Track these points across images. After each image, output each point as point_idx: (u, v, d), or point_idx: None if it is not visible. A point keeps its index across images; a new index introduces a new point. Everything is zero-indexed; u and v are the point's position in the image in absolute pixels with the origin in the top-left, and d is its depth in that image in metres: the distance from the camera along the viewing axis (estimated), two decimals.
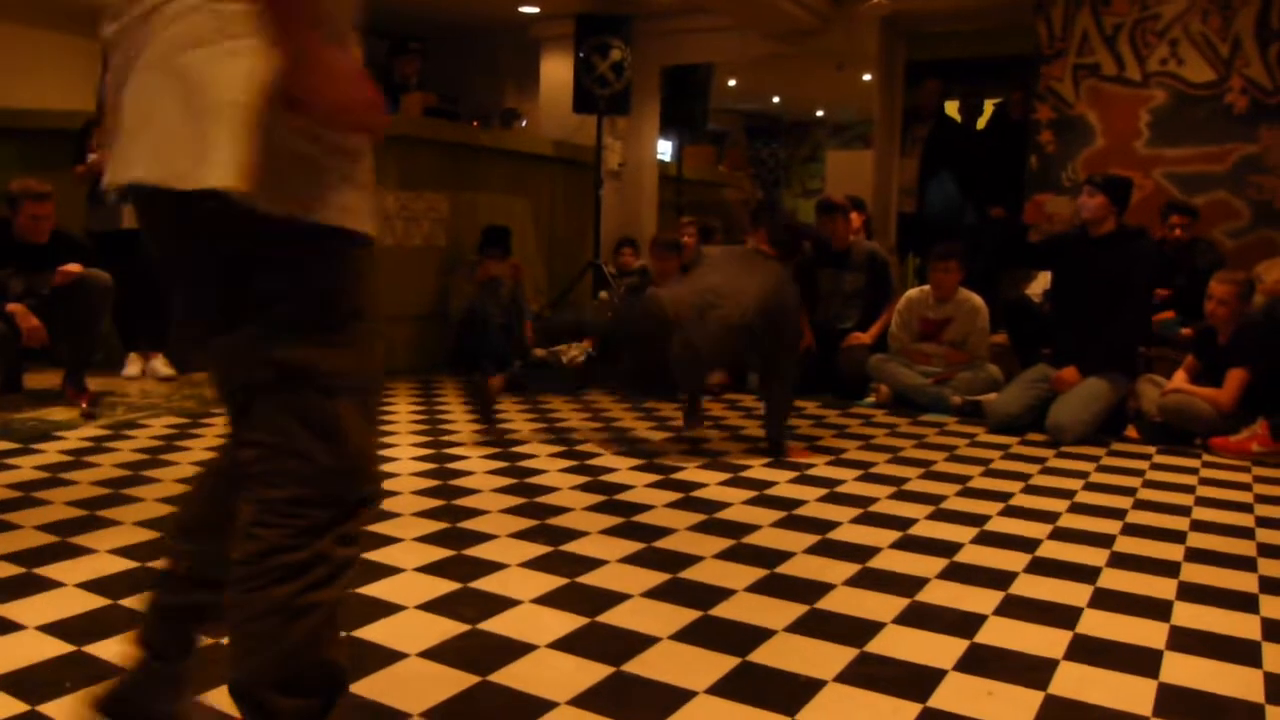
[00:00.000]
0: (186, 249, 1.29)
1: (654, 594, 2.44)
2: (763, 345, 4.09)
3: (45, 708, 1.77)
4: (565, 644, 2.13)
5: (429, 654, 2.06)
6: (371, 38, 9.49)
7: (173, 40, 1.17)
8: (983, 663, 2.08)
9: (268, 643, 1.27)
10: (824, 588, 2.52)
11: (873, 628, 2.26)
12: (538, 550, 2.76)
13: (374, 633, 2.16)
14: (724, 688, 1.94)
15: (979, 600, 2.45)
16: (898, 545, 2.90)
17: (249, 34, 1.15)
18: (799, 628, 2.25)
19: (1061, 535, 3.04)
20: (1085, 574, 2.68)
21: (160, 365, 5.57)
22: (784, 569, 2.66)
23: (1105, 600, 2.48)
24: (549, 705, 1.85)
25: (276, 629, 1.26)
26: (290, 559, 1.26)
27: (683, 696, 1.90)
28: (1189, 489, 3.70)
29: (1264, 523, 3.25)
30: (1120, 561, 2.79)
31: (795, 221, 4.87)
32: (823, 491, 3.51)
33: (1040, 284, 6.03)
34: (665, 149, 10.15)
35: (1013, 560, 2.78)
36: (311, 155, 1.22)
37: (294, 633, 1.27)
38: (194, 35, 1.17)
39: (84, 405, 4.56)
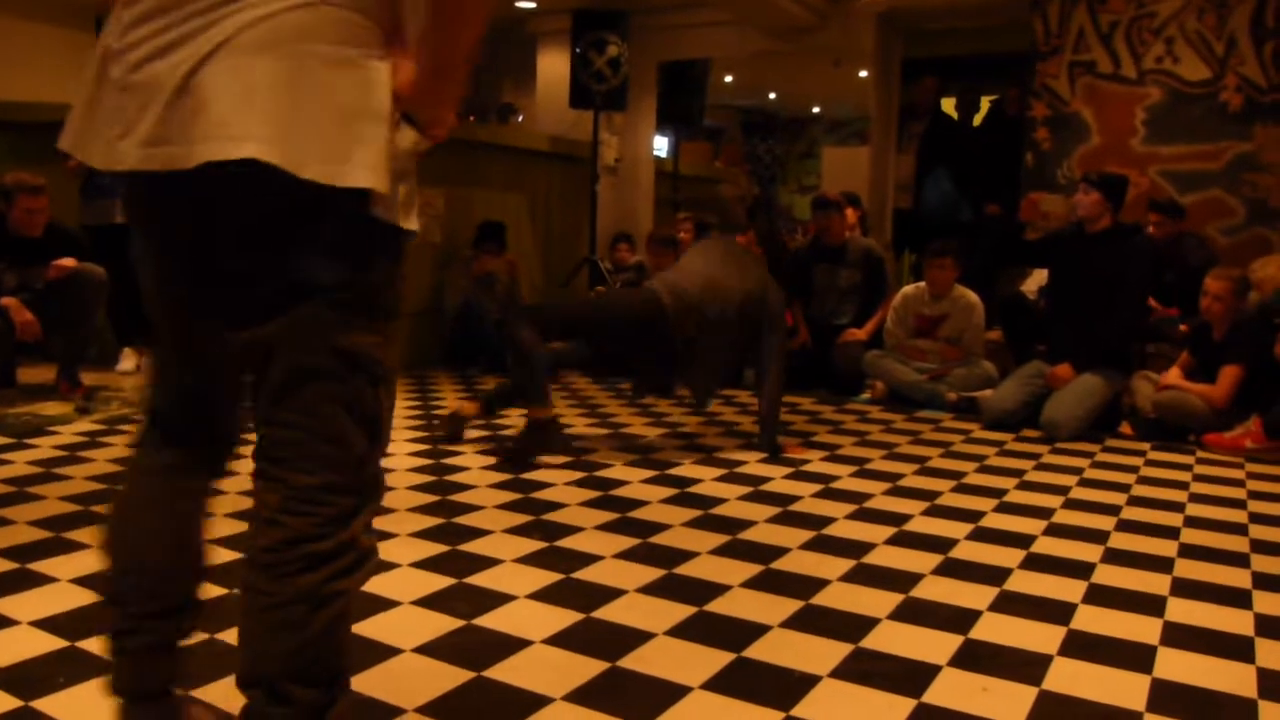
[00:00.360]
0: (228, 236, 1.24)
1: (649, 590, 2.45)
2: (750, 344, 4.10)
3: (39, 703, 1.77)
4: (560, 640, 2.13)
5: (424, 649, 2.06)
6: None
7: (290, 30, 1.17)
8: (977, 658, 2.09)
9: (292, 630, 1.27)
10: (819, 583, 2.52)
11: (868, 623, 2.26)
12: (533, 546, 2.76)
13: (369, 628, 2.16)
14: (719, 683, 1.94)
15: (974, 596, 2.46)
16: (893, 541, 2.90)
17: (369, 45, 1.22)
18: (794, 623, 2.25)
19: (1056, 531, 3.05)
20: (1079, 570, 2.68)
21: None
22: (779, 565, 2.66)
23: (1099, 596, 2.48)
24: (544, 701, 1.85)
25: (302, 617, 1.26)
26: (318, 548, 1.27)
27: (678, 692, 1.90)
28: (1183, 485, 3.71)
29: (1257, 519, 3.26)
30: (1114, 557, 2.80)
31: (779, 231, 4.86)
32: (818, 487, 3.52)
33: (1035, 281, 6.05)
34: (662, 145, 10.14)
35: (1007, 556, 2.79)
36: (410, 169, 1.30)
37: (318, 621, 1.27)
38: (322, 32, 1.19)
39: (78, 400, 4.55)
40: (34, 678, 1.86)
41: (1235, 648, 2.19)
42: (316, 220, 1.22)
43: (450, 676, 1.94)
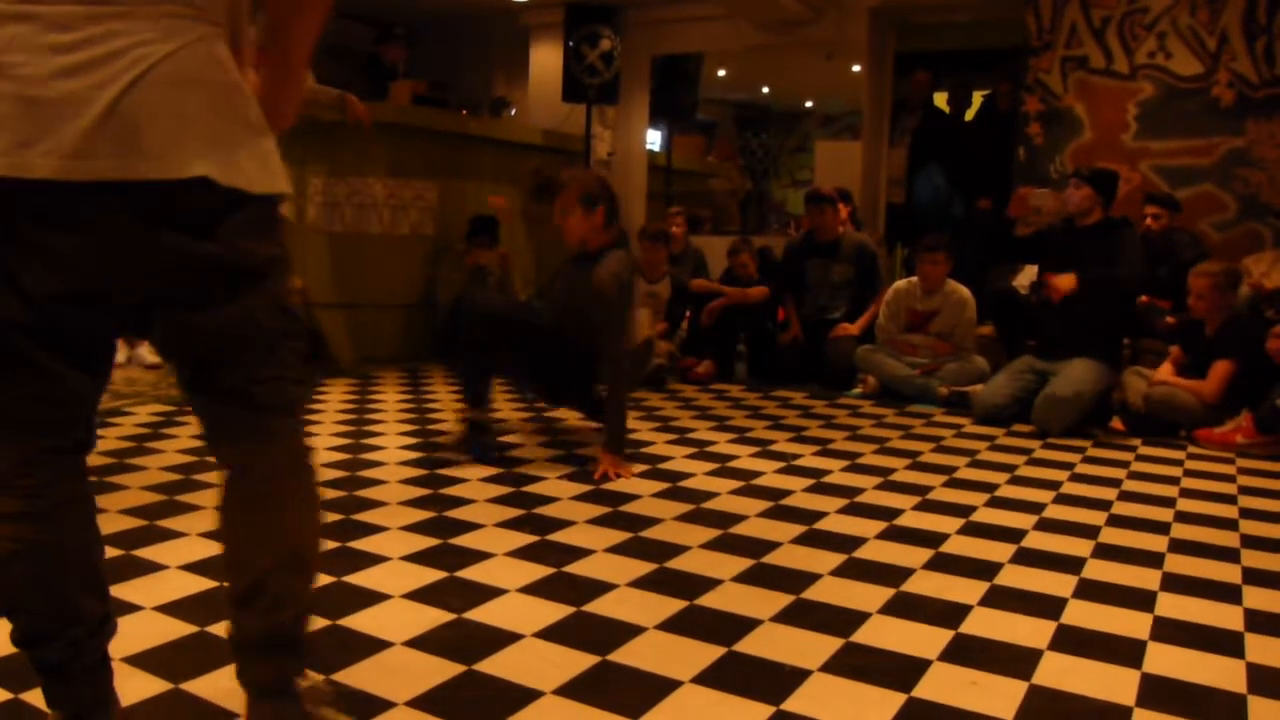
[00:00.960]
0: (158, 237, 1.35)
1: (640, 583, 2.44)
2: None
3: (28, 696, 1.76)
4: (551, 633, 2.13)
5: (415, 643, 2.06)
6: (359, 24, 9.31)
7: (201, 61, 1.36)
8: (968, 653, 2.09)
9: (281, 503, 1.54)
10: (810, 578, 2.52)
11: (859, 618, 2.26)
12: (524, 540, 2.76)
13: (360, 621, 2.15)
14: (710, 677, 1.94)
15: (964, 590, 2.46)
16: (884, 536, 2.91)
17: (237, 67, 1.44)
18: (785, 618, 2.26)
19: (1047, 526, 3.05)
20: (1070, 564, 2.69)
21: (146, 353, 5.54)
22: (770, 559, 2.67)
23: (1089, 591, 2.49)
24: (534, 694, 1.85)
25: (305, 482, 1.58)
26: (291, 421, 1.56)
27: (668, 686, 1.90)
28: (1174, 480, 3.72)
29: (1247, 514, 3.27)
30: (1105, 552, 2.81)
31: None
32: (809, 482, 3.52)
33: (1027, 276, 6.05)
34: (654, 139, 10.13)
35: (998, 551, 2.79)
36: None
37: (304, 491, 1.59)
38: (221, 61, 1.39)
39: None
40: (24, 670, 1.84)
41: (1225, 643, 2.20)
42: (244, 216, 1.40)
43: (441, 670, 1.93)
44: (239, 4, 1.47)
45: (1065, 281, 4.66)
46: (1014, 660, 2.06)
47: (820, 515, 3.10)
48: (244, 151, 1.39)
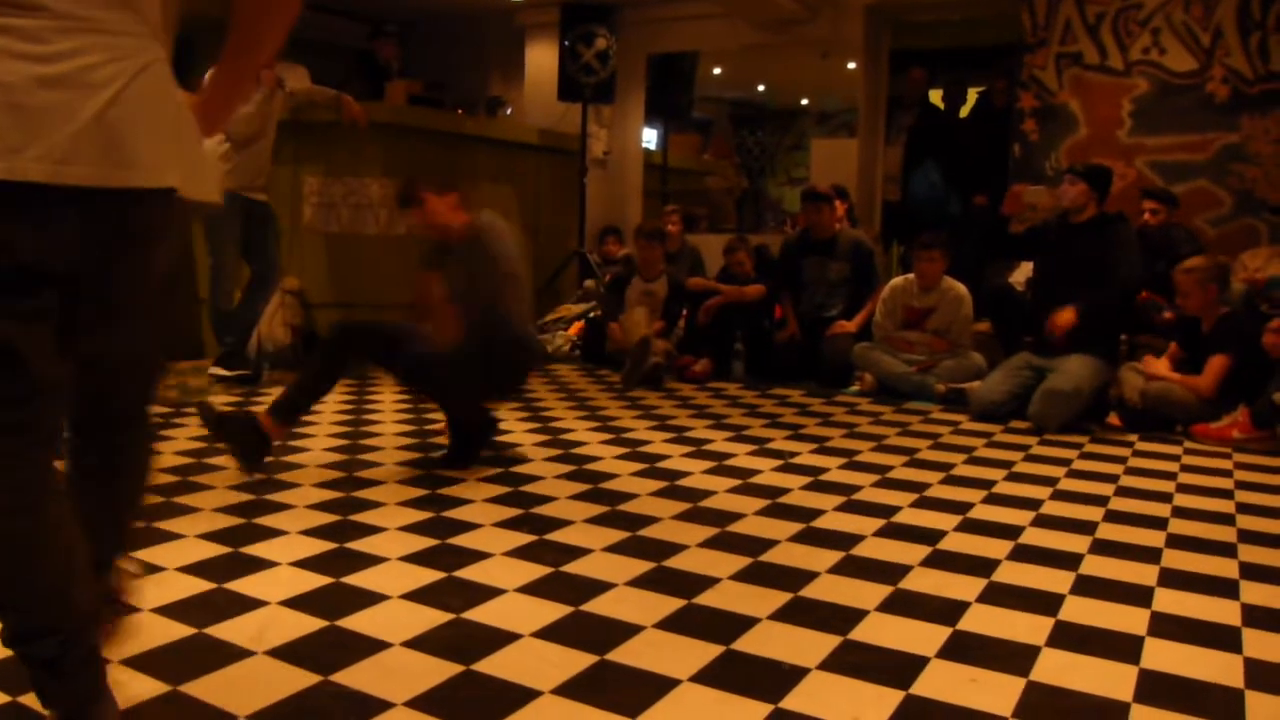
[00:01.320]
0: (131, 249, 1.47)
1: (638, 582, 2.45)
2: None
3: (27, 699, 1.76)
4: (549, 633, 2.13)
5: (413, 643, 2.06)
6: (350, 21, 9.26)
7: (162, 79, 1.47)
8: (965, 650, 2.09)
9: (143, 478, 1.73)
10: (808, 576, 2.52)
11: (856, 615, 2.27)
12: (522, 539, 2.76)
13: (358, 622, 2.15)
14: (708, 676, 1.94)
15: (962, 587, 2.46)
16: (881, 533, 2.91)
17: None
18: (783, 615, 2.26)
19: (1044, 522, 3.06)
20: (1067, 561, 2.69)
21: None
22: (768, 557, 2.67)
23: (1087, 587, 2.49)
24: (533, 694, 1.85)
25: (144, 462, 1.75)
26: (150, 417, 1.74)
27: (666, 685, 1.90)
28: (1171, 476, 3.72)
29: (1245, 509, 3.28)
30: (1102, 548, 2.81)
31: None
32: (807, 480, 3.52)
33: (1024, 272, 6.06)
34: (650, 137, 10.13)
35: (996, 548, 2.79)
36: None
37: (147, 466, 1.75)
38: (171, 78, 1.50)
39: None
40: (21, 672, 1.84)
41: (1223, 638, 2.20)
42: (178, 226, 1.54)
43: (439, 670, 1.94)
44: (171, 22, 1.55)
45: (1065, 317, 4.65)
46: (1012, 657, 2.07)
47: (818, 513, 3.10)
48: (195, 159, 1.52)
